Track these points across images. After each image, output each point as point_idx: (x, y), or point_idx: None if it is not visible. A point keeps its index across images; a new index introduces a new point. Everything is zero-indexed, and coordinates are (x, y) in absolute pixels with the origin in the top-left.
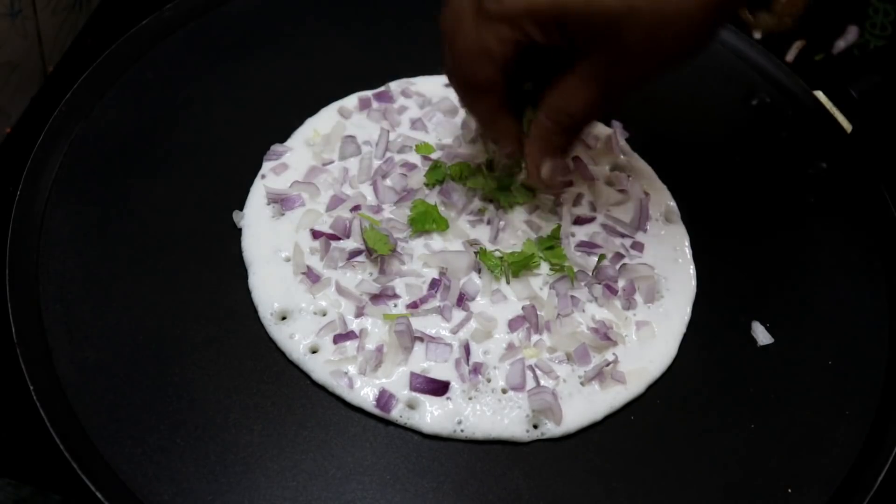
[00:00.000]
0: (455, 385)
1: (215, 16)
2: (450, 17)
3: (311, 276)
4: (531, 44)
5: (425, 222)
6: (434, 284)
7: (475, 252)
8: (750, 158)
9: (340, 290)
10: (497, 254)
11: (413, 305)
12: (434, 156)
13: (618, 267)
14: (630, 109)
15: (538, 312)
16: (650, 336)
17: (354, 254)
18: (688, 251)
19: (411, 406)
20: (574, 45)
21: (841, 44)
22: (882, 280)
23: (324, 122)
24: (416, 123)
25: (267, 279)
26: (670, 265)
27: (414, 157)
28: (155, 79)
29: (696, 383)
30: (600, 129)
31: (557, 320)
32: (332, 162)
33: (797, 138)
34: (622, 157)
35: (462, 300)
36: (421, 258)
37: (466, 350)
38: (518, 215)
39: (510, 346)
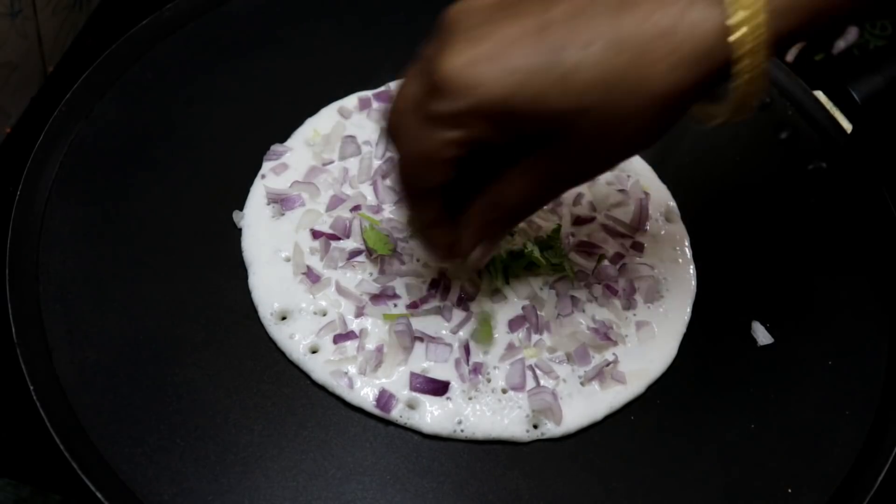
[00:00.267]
0: (455, 385)
1: (215, 16)
2: (393, 118)
3: (311, 276)
4: (479, 144)
5: None
6: (434, 284)
7: None
8: (750, 158)
9: (340, 290)
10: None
11: (413, 305)
12: None
13: (618, 267)
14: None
15: (538, 312)
16: (650, 336)
17: (354, 254)
18: (688, 251)
19: (411, 406)
20: (522, 142)
21: (841, 44)
22: (882, 280)
23: (324, 122)
24: None
25: (267, 279)
26: (670, 265)
27: None
28: (155, 79)
29: (696, 383)
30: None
31: (557, 320)
32: (332, 162)
33: (797, 138)
34: None
35: (462, 300)
36: (421, 258)
37: (466, 350)
38: None
39: (510, 346)
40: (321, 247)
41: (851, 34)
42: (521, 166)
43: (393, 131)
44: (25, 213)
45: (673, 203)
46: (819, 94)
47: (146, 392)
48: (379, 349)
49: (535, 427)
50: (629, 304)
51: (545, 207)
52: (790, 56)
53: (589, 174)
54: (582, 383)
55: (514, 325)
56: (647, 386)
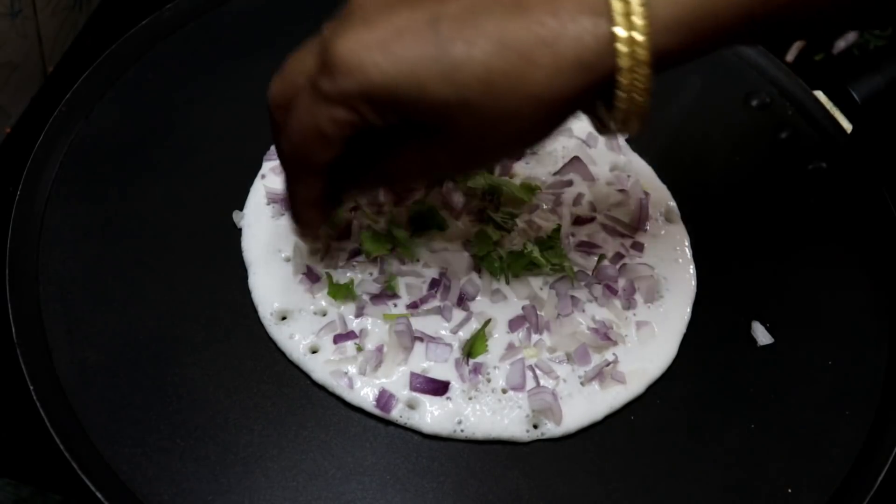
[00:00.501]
0: (455, 385)
1: (215, 16)
2: (282, 90)
3: (311, 276)
4: (367, 126)
5: (425, 222)
6: (434, 284)
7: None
8: (750, 158)
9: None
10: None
11: (413, 305)
12: None
13: (618, 267)
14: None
15: (538, 312)
16: (650, 336)
17: (354, 254)
18: (688, 251)
19: (411, 406)
20: (408, 126)
21: (841, 44)
22: (882, 280)
23: None
24: None
25: (267, 279)
26: (670, 265)
27: None
28: (155, 79)
29: (696, 383)
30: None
31: (557, 320)
32: None
33: (797, 138)
34: (622, 157)
35: (462, 300)
36: (421, 258)
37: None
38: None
39: (510, 346)
40: (321, 247)
41: (851, 34)
42: (401, 154)
43: (282, 103)
44: (25, 213)
45: (673, 203)
46: (819, 94)
47: (146, 392)
48: (379, 349)
49: (535, 427)
50: (629, 304)
51: (545, 207)
52: (790, 56)
53: (470, 165)
54: (582, 383)
55: (514, 325)
56: (647, 386)
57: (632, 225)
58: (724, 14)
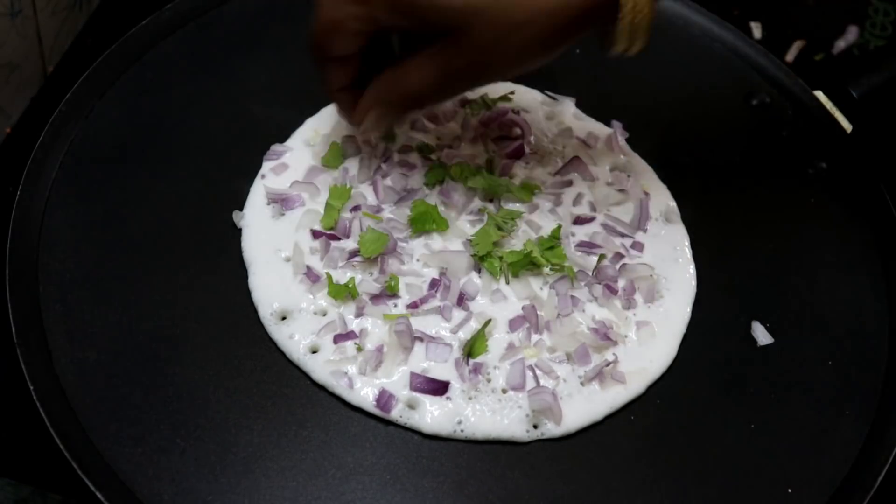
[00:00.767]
0: (455, 385)
1: (215, 16)
2: None
3: (311, 276)
4: (385, 27)
5: (425, 222)
6: (434, 284)
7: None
8: (750, 158)
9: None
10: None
11: (413, 305)
12: (434, 156)
13: (618, 267)
14: (630, 109)
15: (538, 312)
16: (650, 336)
17: (354, 254)
18: (688, 251)
19: (411, 406)
20: (423, 32)
21: (841, 44)
22: (882, 280)
23: (324, 122)
24: (416, 123)
25: (267, 279)
26: (670, 265)
27: (414, 157)
28: (155, 79)
29: (696, 383)
30: (600, 129)
31: (557, 320)
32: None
33: (797, 138)
34: (622, 157)
35: (462, 300)
36: (421, 258)
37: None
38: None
39: (510, 346)
40: (321, 247)
41: (851, 34)
42: (423, 54)
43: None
44: (25, 213)
45: (673, 203)
46: (819, 94)
47: (146, 392)
48: (379, 349)
49: (535, 427)
50: (629, 304)
51: (545, 208)
52: (790, 56)
53: (485, 72)
54: (582, 383)
55: (514, 325)
56: (647, 386)
57: (632, 225)
58: None
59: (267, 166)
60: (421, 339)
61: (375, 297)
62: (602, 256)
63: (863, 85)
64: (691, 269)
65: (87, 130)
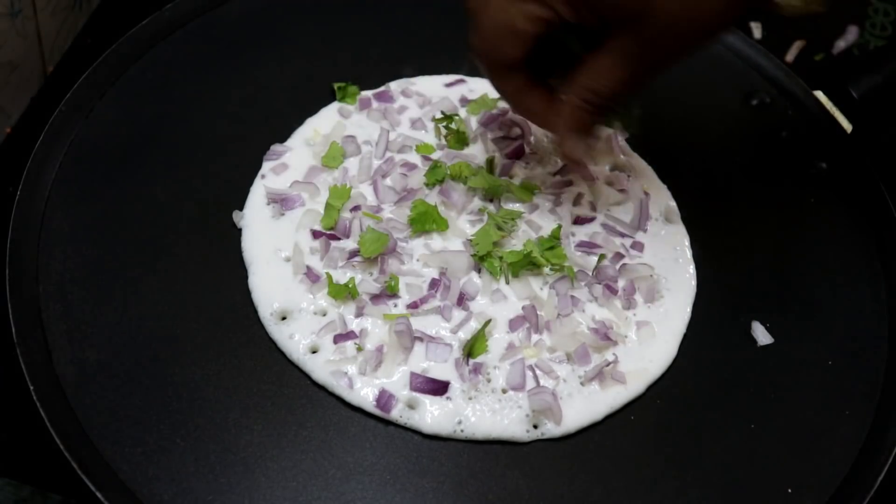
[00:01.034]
0: (455, 385)
1: (215, 16)
2: None
3: (311, 276)
4: (561, 22)
5: (425, 222)
6: (434, 284)
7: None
8: (750, 158)
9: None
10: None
11: (413, 305)
12: (434, 156)
13: (618, 267)
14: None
15: (538, 312)
16: (650, 336)
17: (354, 254)
18: (688, 251)
19: (411, 406)
20: (604, 22)
21: (841, 44)
22: (882, 280)
23: (324, 122)
24: (416, 123)
25: (267, 279)
26: (670, 265)
27: (414, 157)
28: (155, 79)
29: (696, 383)
30: (600, 129)
31: (557, 320)
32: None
33: (797, 138)
34: (622, 157)
35: (462, 300)
36: (421, 258)
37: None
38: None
39: (510, 346)
40: (321, 247)
41: (851, 34)
42: (607, 49)
43: (476, 6)
44: (25, 213)
45: (673, 203)
46: (819, 94)
47: (146, 392)
48: (379, 349)
49: (535, 427)
50: (629, 304)
51: (546, 208)
52: (790, 56)
53: (670, 57)
54: (582, 383)
55: (514, 325)
56: (647, 386)
57: (632, 225)
58: None
59: (267, 166)
60: (421, 339)
61: (375, 297)
62: (602, 256)
63: (863, 85)
64: (691, 269)
65: (87, 130)
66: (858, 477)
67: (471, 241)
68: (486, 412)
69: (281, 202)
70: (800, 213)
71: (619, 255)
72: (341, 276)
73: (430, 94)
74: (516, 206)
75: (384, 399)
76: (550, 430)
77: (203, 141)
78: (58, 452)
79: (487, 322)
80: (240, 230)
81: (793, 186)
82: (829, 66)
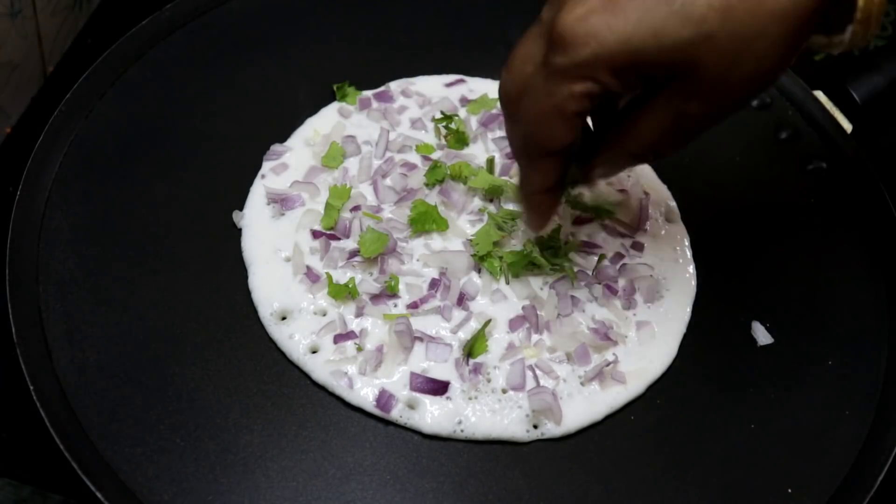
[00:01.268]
0: (455, 385)
1: (215, 16)
2: (512, 81)
3: (311, 276)
4: (607, 94)
5: (425, 222)
6: (434, 284)
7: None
8: (750, 158)
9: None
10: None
11: (413, 305)
12: (434, 156)
13: (618, 267)
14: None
15: (538, 312)
16: (650, 336)
17: (354, 254)
18: (688, 251)
19: (411, 406)
20: (649, 84)
21: None
22: (882, 280)
23: (324, 122)
24: (416, 123)
25: (267, 279)
26: (670, 265)
27: (414, 157)
28: (155, 79)
29: (696, 383)
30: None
31: (557, 320)
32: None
33: (797, 138)
34: None
35: (462, 300)
36: (421, 258)
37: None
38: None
39: (510, 346)
40: (321, 247)
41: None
42: (654, 107)
43: (514, 94)
44: (25, 213)
45: (673, 203)
46: (819, 94)
47: (146, 392)
48: (379, 349)
49: (535, 427)
50: (629, 304)
51: None
52: None
53: (720, 109)
54: (582, 383)
55: (514, 325)
56: (647, 386)
57: (632, 225)
58: None
59: (267, 166)
60: (421, 339)
61: (375, 297)
62: (602, 256)
63: (863, 85)
64: (691, 269)
65: (87, 130)
66: (858, 477)
67: (471, 241)
68: (486, 412)
69: (281, 202)
70: (800, 213)
71: (619, 255)
72: (341, 276)
73: (430, 93)
74: (516, 206)
75: (384, 399)
76: (550, 430)
77: (203, 141)
78: (58, 452)
79: (487, 322)
80: (240, 230)
81: (793, 186)
82: (829, 66)
